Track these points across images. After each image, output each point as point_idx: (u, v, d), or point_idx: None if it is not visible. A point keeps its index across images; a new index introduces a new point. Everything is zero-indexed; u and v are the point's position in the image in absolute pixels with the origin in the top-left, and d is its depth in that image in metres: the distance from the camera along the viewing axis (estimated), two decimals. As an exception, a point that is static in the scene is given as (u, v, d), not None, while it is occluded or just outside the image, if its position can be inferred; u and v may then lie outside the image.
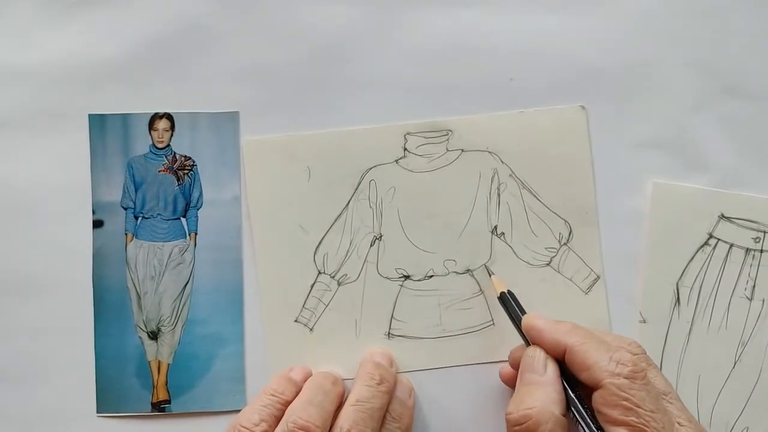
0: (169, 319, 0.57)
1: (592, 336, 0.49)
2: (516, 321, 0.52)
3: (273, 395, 0.52)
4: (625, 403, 0.45)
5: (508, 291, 0.54)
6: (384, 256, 0.57)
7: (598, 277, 0.57)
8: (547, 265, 0.57)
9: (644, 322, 0.56)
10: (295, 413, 0.50)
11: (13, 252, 0.57)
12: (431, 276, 0.57)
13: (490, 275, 0.56)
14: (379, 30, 0.57)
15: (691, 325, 0.56)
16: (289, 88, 0.57)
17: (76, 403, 0.57)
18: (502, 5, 0.57)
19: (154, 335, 0.57)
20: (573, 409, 0.48)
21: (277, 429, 0.50)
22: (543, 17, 0.58)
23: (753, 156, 0.57)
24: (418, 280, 0.57)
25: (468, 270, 0.57)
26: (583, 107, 0.57)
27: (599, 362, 0.47)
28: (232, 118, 0.57)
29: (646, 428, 0.45)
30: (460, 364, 0.56)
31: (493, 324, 0.57)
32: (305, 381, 0.54)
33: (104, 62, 0.57)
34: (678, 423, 0.46)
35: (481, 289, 0.57)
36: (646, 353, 0.49)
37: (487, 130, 0.57)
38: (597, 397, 0.46)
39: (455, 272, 0.57)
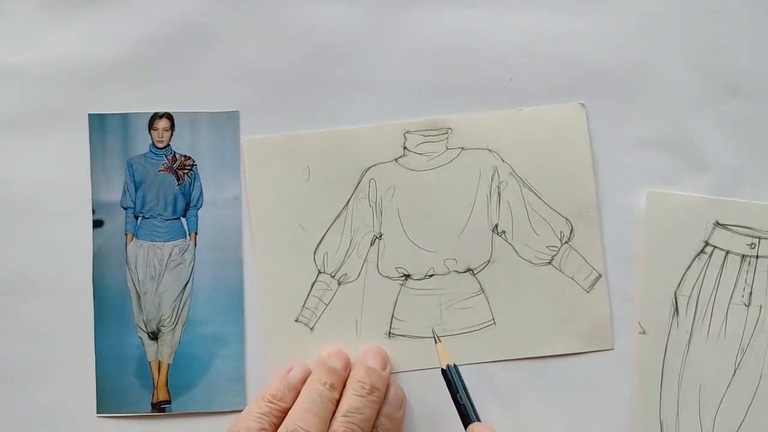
0: (169, 319, 0.57)
1: None
2: (457, 402, 0.52)
3: (271, 402, 0.52)
4: None
5: (455, 365, 0.53)
6: (384, 256, 0.57)
7: (600, 275, 0.57)
8: (549, 263, 0.57)
9: (644, 333, 0.56)
10: (294, 421, 0.50)
11: (13, 252, 0.57)
12: (432, 275, 0.57)
13: (436, 342, 0.55)
14: (379, 30, 0.57)
15: (691, 334, 0.56)
16: (289, 88, 0.57)
17: (76, 403, 0.56)
18: (502, 5, 0.57)
19: (154, 335, 0.57)
20: None
21: None
22: (543, 17, 0.58)
23: (753, 156, 0.57)
24: (419, 279, 0.57)
25: (468, 269, 0.57)
26: (582, 105, 0.57)
27: None
28: (232, 117, 0.57)
29: None
30: (461, 363, 0.56)
31: (494, 323, 0.56)
32: (304, 382, 0.53)
33: (104, 62, 0.57)
34: None
35: (481, 289, 0.57)
36: None
37: (487, 128, 0.57)
38: None
39: (456, 271, 0.57)
